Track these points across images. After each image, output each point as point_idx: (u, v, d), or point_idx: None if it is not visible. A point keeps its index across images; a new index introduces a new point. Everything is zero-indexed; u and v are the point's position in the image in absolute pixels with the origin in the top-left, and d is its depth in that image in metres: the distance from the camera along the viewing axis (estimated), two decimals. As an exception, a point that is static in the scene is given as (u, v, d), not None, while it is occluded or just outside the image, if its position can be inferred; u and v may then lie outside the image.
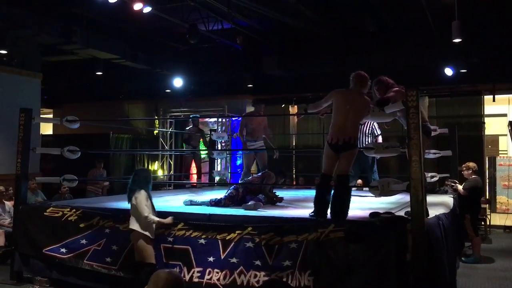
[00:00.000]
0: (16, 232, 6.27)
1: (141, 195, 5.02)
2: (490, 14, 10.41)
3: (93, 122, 12.33)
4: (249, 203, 5.96)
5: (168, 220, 5.07)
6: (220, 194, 6.68)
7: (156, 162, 13.63)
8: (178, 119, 12.67)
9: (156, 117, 13.95)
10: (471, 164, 7.82)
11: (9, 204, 8.02)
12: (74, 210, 5.86)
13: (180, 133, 11.72)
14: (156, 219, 5.01)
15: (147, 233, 4.98)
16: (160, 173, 13.11)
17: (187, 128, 10.21)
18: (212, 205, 6.16)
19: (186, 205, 6.25)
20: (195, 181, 10.09)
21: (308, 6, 9.99)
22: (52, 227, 5.89)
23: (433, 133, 6.61)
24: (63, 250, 5.70)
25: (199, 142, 10.10)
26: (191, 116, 10.42)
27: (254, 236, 4.84)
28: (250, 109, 14.34)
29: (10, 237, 6.95)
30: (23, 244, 6.06)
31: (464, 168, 7.84)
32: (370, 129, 7.82)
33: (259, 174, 7.07)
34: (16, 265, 6.11)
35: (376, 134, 7.90)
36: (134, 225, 4.99)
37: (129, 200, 5.09)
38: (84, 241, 5.61)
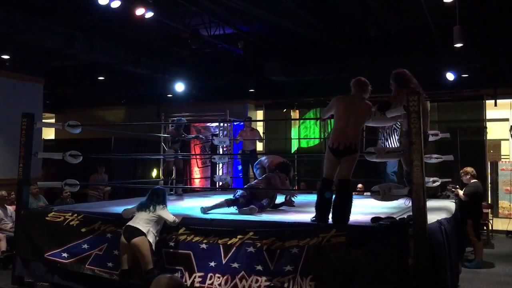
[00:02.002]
0: (18, 236, 6.26)
1: (167, 208, 5.34)
2: (491, 19, 10.42)
3: (95, 127, 12.34)
4: (244, 208, 5.94)
5: (180, 217, 5.32)
6: (221, 198, 6.64)
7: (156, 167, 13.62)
8: (180, 123, 12.63)
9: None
10: (469, 169, 7.78)
11: (11, 209, 8.05)
12: (75, 214, 5.87)
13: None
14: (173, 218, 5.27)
15: (152, 239, 5.11)
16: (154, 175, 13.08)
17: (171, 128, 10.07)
18: (230, 205, 6.13)
19: (203, 213, 5.96)
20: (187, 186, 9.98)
21: (309, 11, 10.01)
22: (54, 232, 5.89)
23: (435, 138, 6.61)
24: (65, 254, 5.70)
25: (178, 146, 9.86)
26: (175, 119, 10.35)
27: (255, 241, 4.83)
28: (251, 113, 14.38)
29: (12, 242, 6.96)
30: (25, 248, 6.06)
31: (462, 174, 7.80)
32: (392, 127, 7.70)
33: (262, 177, 7.03)
34: (17, 269, 6.11)
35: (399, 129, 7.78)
36: (147, 230, 5.07)
37: (145, 210, 5.20)
38: (85, 246, 5.61)
